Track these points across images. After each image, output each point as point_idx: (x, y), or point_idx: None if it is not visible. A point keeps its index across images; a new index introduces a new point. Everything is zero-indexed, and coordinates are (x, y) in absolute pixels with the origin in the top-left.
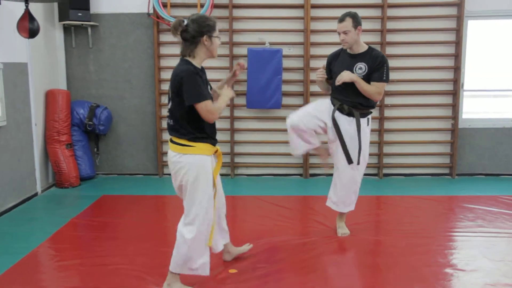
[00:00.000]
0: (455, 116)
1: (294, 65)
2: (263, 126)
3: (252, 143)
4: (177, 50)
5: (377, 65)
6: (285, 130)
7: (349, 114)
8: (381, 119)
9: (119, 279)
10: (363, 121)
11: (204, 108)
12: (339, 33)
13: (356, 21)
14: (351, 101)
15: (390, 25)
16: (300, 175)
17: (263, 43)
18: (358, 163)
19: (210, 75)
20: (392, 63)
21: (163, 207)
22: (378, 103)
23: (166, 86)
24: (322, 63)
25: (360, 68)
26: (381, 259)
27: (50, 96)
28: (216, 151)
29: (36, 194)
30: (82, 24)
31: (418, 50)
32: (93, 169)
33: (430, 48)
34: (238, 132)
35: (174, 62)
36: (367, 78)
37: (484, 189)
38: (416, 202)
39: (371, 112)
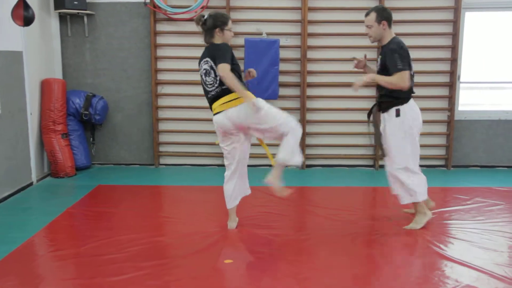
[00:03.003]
0: (451, 108)
1: (291, 55)
2: None
3: None
4: (173, 39)
5: (388, 56)
6: None
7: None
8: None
9: (115, 268)
10: (388, 114)
11: (222, 68)
12: (366, 27)
13: (381, 15)
14: (379, 96)
15: None
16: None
17: (260, 34)
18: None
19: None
20: None
21: (159, 197)
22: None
23: (162, 76)
24: (319, 53)
25: (378, 62)
26: (376, 250)
27: (45, 85)
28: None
29: (31, 184)
30: (78, 13)
31: (415, 41)
32: (89, 159)
33: (427, 39)
34: None
35: (171, 52)
36: (381, 70)
37: (479, 180)
38: None
39: (400, 103)
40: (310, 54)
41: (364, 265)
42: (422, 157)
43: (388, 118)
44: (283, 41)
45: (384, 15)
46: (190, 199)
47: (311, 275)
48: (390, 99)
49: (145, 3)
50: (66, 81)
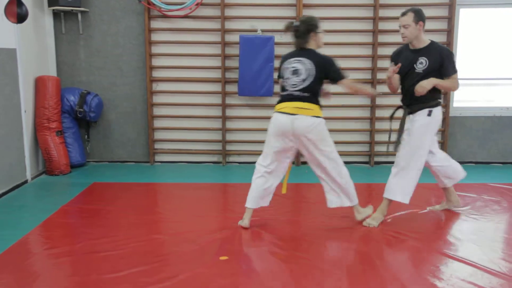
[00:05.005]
0: (446, 104)
1: (286, 52)
2: (255, 113)
3: (244, 130)
4: (168, 36)
5: (445, 59)
6: None
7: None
8: (373, 107)
9: (110, 265)
10: (420, 113)
11: (347, 83)
12: (399, 27)
13: (418, 16)
14: (408, 99)
15: (382, 12)
16: (293, 162)
17: (255, 30)
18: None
19: (203, 62)
20: (383, 51)
21: (154, 195)
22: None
23: (157, 73)
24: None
25: (421, 63)
26: (371, 247)
27: (39, 83)
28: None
29: (26, 182)
30: (72, 10)
31: None
32: (84, 157)
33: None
34: (230, 119)
35: (165, 49)
36: (428, 73)
37: (474, 177)
38: None
39: (433, 105)
40: None
41: (359, 261)
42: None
43: (417, 117)
44: (278, 38)
45: (421, 16)
46: (185, 196)
47: (307, 272)
48: (422, 103)
49: (139, 0)
50: (61, 78)
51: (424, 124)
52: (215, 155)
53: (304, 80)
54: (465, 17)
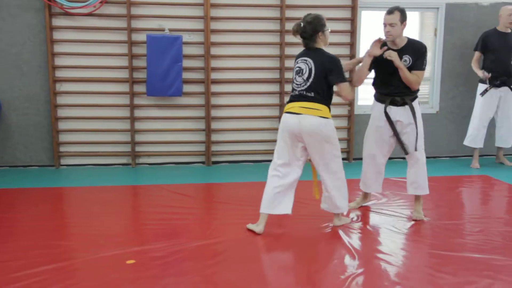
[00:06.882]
0: (351, 103)
1: (194, 52)
2: (164, 114)
3: (154, 131)
4: (72, 35)
5: (420, 55)
6: (187, 118)
7: (402, 104)
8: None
9: (11, 275)
10: (416, 103)
11: (345, 87)
12: (385, 25)
13: (404, 16)
14: (400, 92)
15: (288, 13)
16: (203, 162)
17: (163, 30)
18: (416, 149)
19: (109, 61)
20: (290, 51)
21: (59, 200)
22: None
23: (61, 73)
24: (223, 50)
25: (405, 61)
26: (290, 245)
27: None
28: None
29: None
30: None
31: None
32: None
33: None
34: (139, 120)
35: (69, 48)
36: (410, 69)
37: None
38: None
39: (417, 96)
40: (214, 51)
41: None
42: None
43: (418, 108)
44: (186, 37)
45: (405, 15)
46: (92, 200)
47: (218, 269)
48: (414, 93)
49: None
50: None
51: (419, 116)
52: (124, 157)
53: (307, 80)
54: (367, 18)
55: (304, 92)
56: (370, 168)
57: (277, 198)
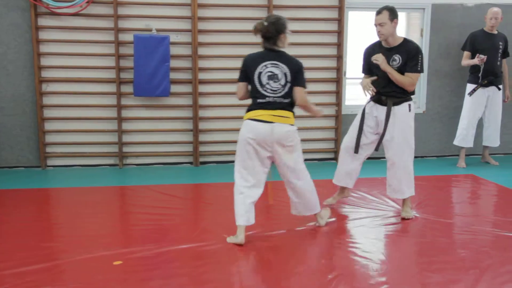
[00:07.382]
0: (338, 102)
1: (182, 52)
2: (152, 114)
3: (141, 132)
4: (58, 35)
5: (412, 56)
6: (175, 118)
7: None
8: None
9: None
10: (400, 107)
11: (303, 94)
12: (375, 25)
13: (393, 14)
14: (386, 91)
15: (277, 13)
16: (191, 163)
17: (150, 30)
18: (377, 150)
19: (96, 62)
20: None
21: (46, 201)
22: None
23: (47, 74)
24: (210, 50)
25: (394, 60)
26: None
27: None
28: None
29: None
30: None
31: (303, 39)
32: None
33: (314, 37)
34: (126, 121)
35: (55, 48)
36: (401, 70)
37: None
38: None
39: (411, 99)
40: (201, 51)
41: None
42: (312, 151)
43: (399, 112)
44: (173, 37)
45: (395, 13)
46: (79, 201)
47: (206, 270)
48: (403, 95)
49: None
50: None
51: (406, 120)
52: (112, 157)
53: (284, 86)
54: (353, 19)
55: (281, 99)
56: (344, 160)
57: (252, 207)
